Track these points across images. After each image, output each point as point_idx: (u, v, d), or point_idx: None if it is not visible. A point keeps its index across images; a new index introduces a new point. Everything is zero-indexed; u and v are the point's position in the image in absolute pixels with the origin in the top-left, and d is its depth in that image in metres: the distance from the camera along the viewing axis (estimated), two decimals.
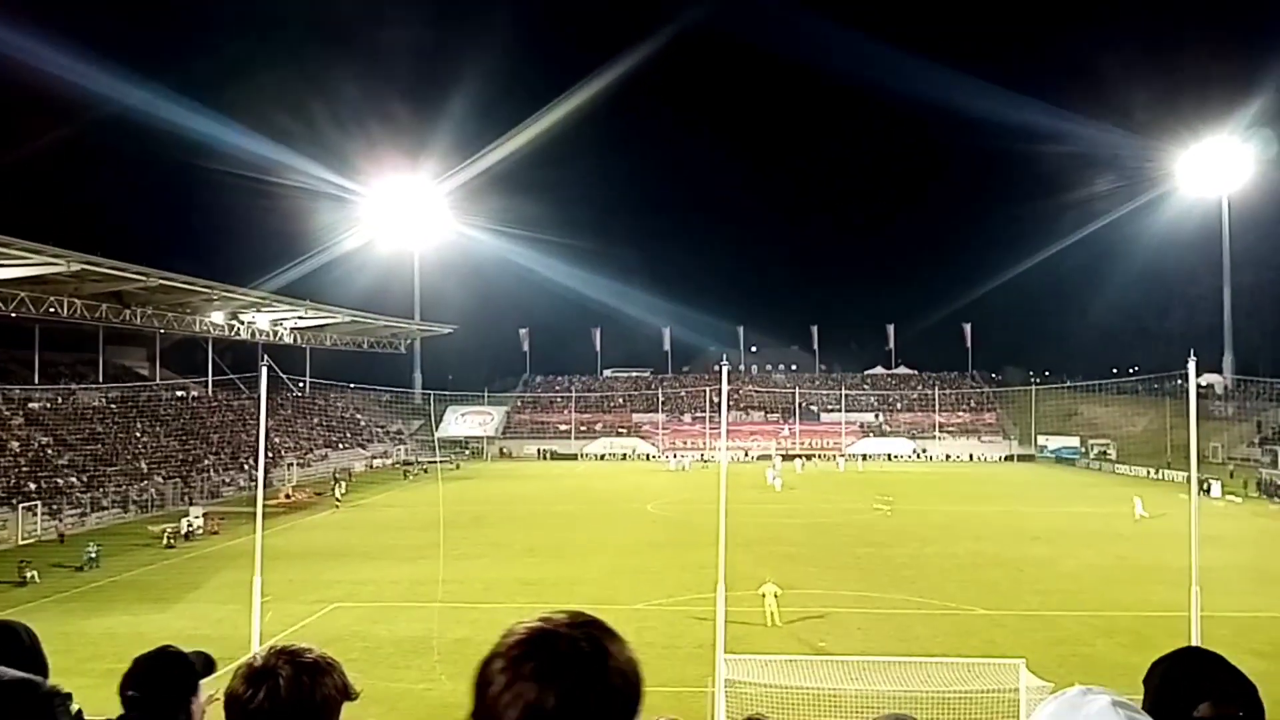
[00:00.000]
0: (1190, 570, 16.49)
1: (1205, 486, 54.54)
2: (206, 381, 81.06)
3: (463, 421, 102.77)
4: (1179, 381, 71.36)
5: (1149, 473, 73.16)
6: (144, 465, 59.85)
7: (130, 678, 2.74)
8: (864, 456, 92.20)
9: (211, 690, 2.82)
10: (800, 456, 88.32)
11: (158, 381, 76.71)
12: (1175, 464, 68.05)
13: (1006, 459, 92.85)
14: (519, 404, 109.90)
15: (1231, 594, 28.28)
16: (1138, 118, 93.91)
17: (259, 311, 76.42)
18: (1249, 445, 77.99)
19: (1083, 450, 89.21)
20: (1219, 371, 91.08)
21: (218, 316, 74.53)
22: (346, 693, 2.11)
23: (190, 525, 44.09)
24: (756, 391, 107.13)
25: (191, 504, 53.30)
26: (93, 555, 36.72)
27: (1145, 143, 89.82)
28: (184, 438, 66.99)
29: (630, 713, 1.43)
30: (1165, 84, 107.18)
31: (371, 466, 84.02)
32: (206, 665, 2.93)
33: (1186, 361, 20.13)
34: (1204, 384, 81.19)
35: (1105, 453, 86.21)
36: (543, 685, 1.36)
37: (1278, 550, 39.46)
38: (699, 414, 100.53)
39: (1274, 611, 27.70)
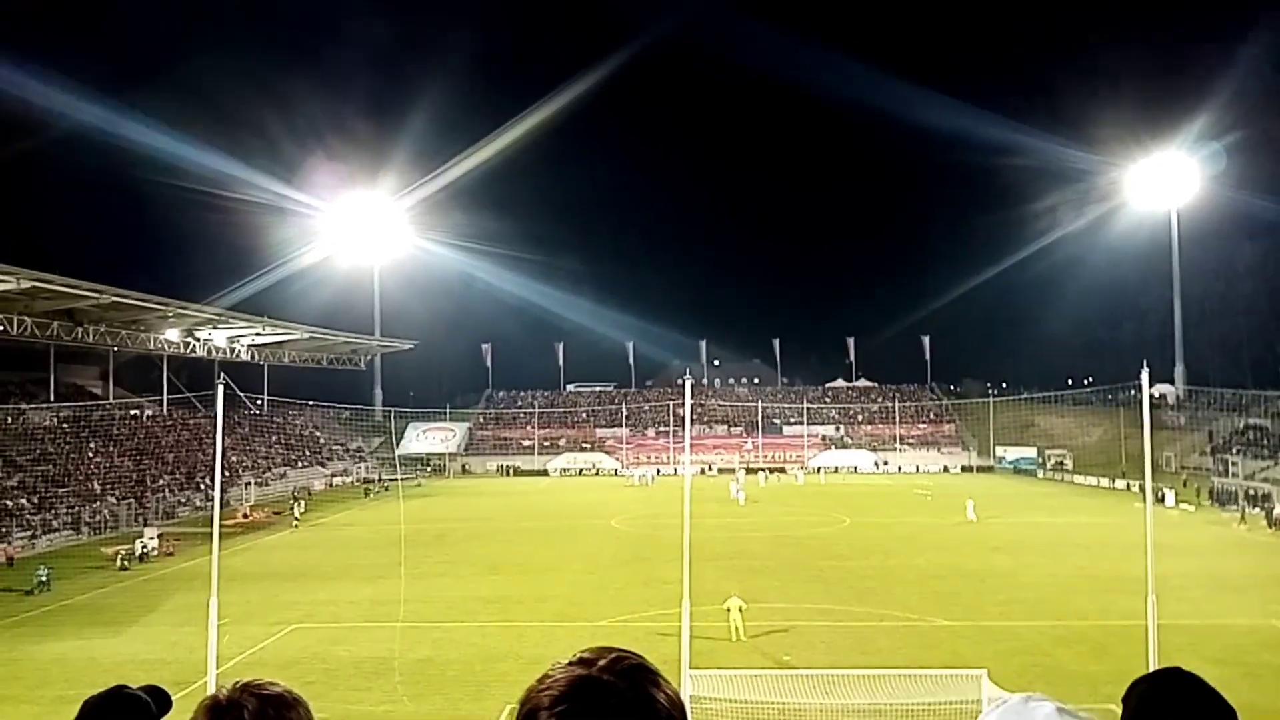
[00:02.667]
0: (1147, 579, 16.74)
1: (1159, 495, 55.52)
2: (161, 400, 79.61)
3: (424, 438, 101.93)
4: (1132, 392, 72.71)
5: (1100, 482, 74.38)
6: (97, 486, 58.58)
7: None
8: (819, 469, 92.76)
9: None
10: (763, 470, 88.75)
11: (111, 400, 75.19)
12: (1130, 473, 69.24)
13: (965, 469, 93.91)
14: (481, 420, 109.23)
15: (1187, 601, 28.82)
16: (1090, 133, 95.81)
17: (215, 328, 75.31)
18: (1200, 454, 79.61)
19: (1040, 461, 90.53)
20: (1171, 382, 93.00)
21: (172, 334, 73.31)
22: None
23: (145, 547, 43.19)
24: (719, 405, 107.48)
25: (146, 525, 52.15)
26: (43, 578, 35.78)
27: (1097, 158, 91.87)
28: (138, 457, 65.67)
29: None
30: (1116, 100, 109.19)
31: (331, 485, 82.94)
32: (161, 704, 2.82)
33: (1139, 372, 20.46)
34: (1156, 394, 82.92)
35: (1062, 463, 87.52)
36: None
37: (1230, 558, 40.23)
38: (662, 428, 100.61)
39: (1228, 619, 28.22)
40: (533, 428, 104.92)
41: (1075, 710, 1.69)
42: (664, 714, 1.37)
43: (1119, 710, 2.12)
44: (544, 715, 1.34)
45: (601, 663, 1.40)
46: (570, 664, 1.41)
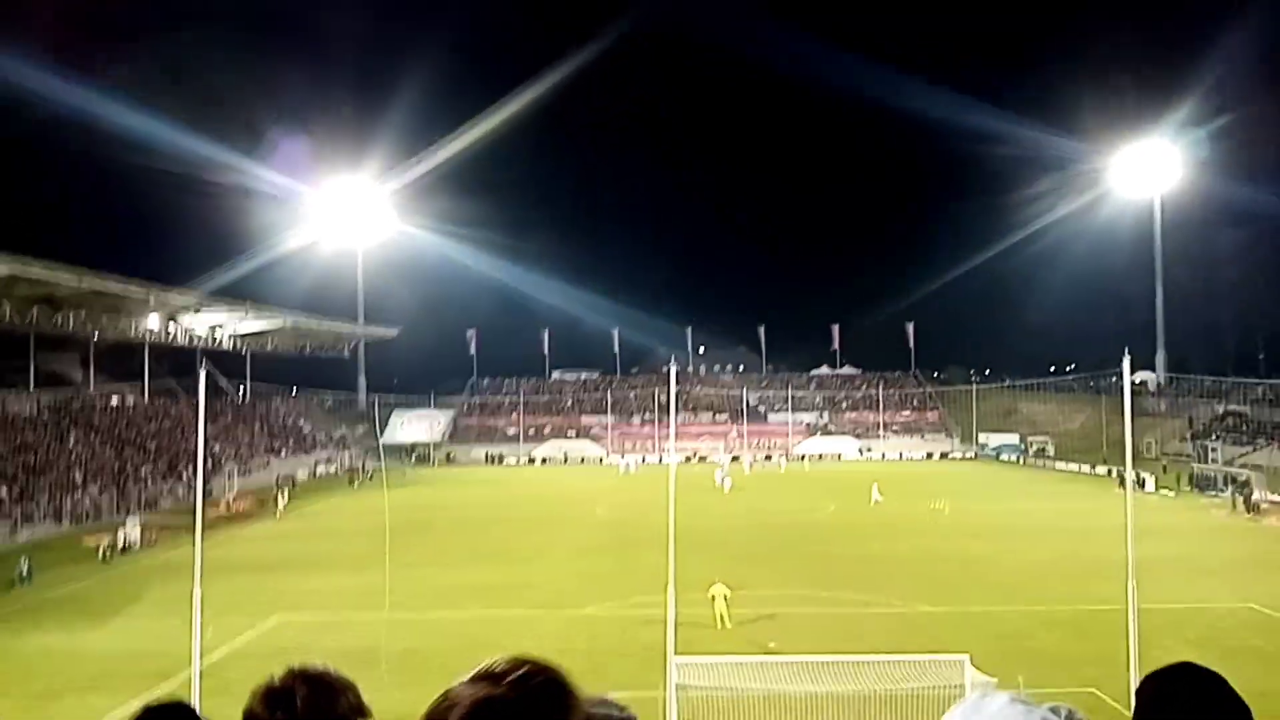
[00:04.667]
0: (1127, 564, 16.88)
1: (1140, 481, 56.03)
2: (143, 387, 79.04)
3: (409, 426, 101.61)
4: (1114, 379, 73.33)
5: (1082, 468, 74.95)
6: (78, 475, 58.14)
7: None
8: (803, 456, 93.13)
9: None
10: (750, 453, 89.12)
11: (92, 388, 74.64)
12: (1111, 460, 69.79)
13: (943, 456, 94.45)
14: (466, 407, 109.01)
15: (1167, 586, 29.08)
16: (1075, 121, 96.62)
17: (197, 314, 74.78)
18: (1181, 440, 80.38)
19: (1023, 447, 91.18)
20: (1152, 369, 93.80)
21: (154, 320, 72.75)
22: (361, 711, 2.07)
23: (127, 537, 42.92)
24: (705, 393, 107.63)
25: (128, 515, 51.80)
26: (24, 571, 35.50)
27: (1081, 145, 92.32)
28: (120, 446, 65.22)
29: None
30: (1101, 87, 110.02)
31: (315, 474, 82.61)
32: None
33: (1121, 359, 20.59)
34: (1138, 381, 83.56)
35: (1044, 449, 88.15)
36: None
37: (1209, 543, 40.68)
38: (648, 416, 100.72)
39: (1207, 602, 28.56)
40: (518, 415, 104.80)
41: (1028, 699, 1.70)
42: None
43: (1099, 693, 2.14)
44: None
45: (508, 680, 1.29)
46: (475, 679, 1.31)
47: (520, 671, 1.31)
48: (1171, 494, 57.97)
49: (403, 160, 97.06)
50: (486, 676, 1.31)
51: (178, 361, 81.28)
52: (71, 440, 63.08)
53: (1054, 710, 2.18)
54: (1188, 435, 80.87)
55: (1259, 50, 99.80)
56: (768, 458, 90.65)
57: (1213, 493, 57.30)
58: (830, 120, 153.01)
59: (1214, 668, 1.96)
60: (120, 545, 41.93)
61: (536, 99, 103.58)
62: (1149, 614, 20.47)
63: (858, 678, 17.11)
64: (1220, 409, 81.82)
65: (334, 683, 2.04)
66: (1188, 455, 74.48)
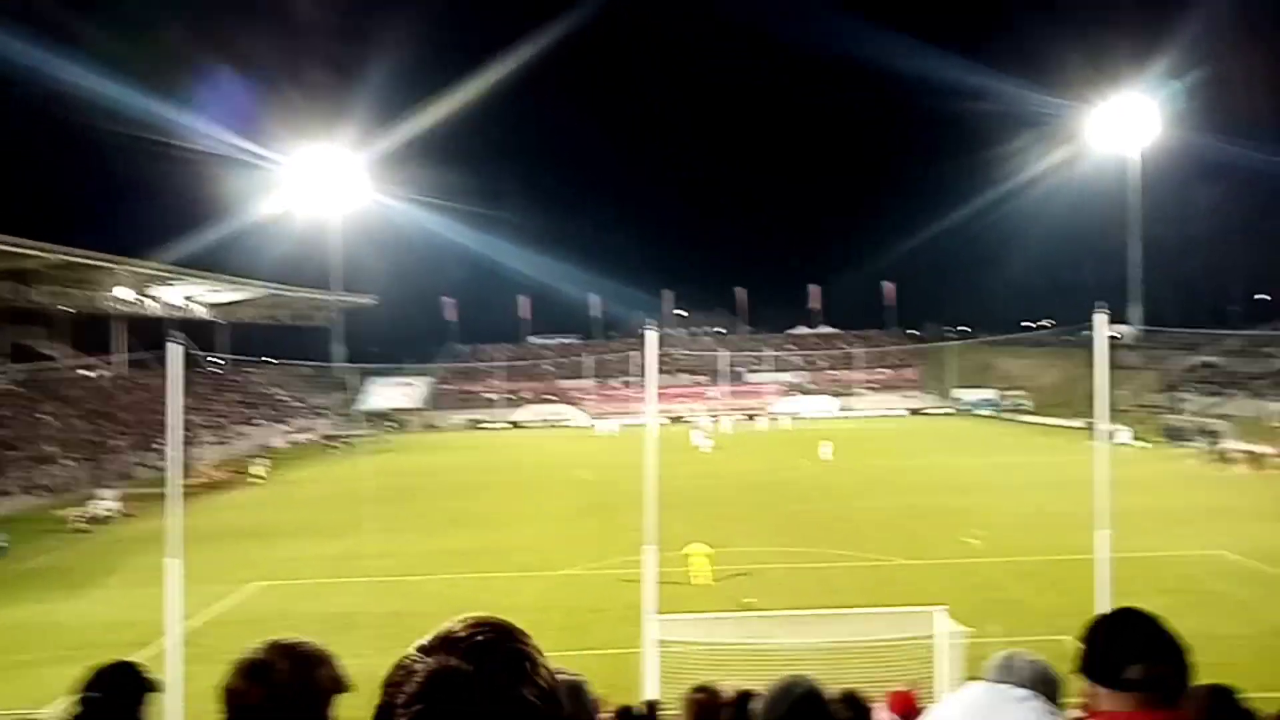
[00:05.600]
0: (1102, 514, 17.06)
1: (1113, 433, 56.67)
2: (116, 360, 78.19)
3: (387, 394, 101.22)
4: (1088, 333, 73.81)
5: (1056, 422, 75.70)
6: (52, 448, 57.62)
7: (92, 683, 3.03)
8: (780, 416, 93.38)
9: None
10: (730, 414, 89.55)
11: (64, 361, 73.78)
12: (1086, 413, 70.44)
13: (920, 412, 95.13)
14: (444, 374, 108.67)
15: (1140, 535, 29.50)
16: (1052, 76, 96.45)
17: (169, 285, 73.89)
18: (1155, 393, 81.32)
19: (999, 402, 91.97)
20: (1126, 323, 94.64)
21: (125, 292, 71.83)
22: (340, 684, 2.10)
23: (103, 509, 42.66)
24: (684, 354, 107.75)
25: (104, 487, 51.44)
26: (1, 543, 35.28)
27: (1059, 100, 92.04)
28: (94, 418, 64.64)
29: None
30: (1078, 41, 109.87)
31: (293, 442, 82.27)
32: (153, 686, 3.14)
33: (1095, 313, 20.64)
34: (1113, 335, 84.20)
35: (1020, 404, 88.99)
36: None
37: (1181, 493, 41.35)
38: (627, 378, 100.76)
39: (1177, 550, 29.06)
40: (497, 381, 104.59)
41: (1004, 681, 1.69)
42: (533, 710, 1.20)
43: (1070, 640, 2.16)
44: (400, 715, 1.18)
45: (465, 648, 1.22)
46: (432, 646, 1.24)
47: (478, 637, 1.24)
48: (1146, 445, 58.75)
49: (378, 128, 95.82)
50: (442, 644, 1.23)
51: (151, 333, 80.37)
52: (45, 413, 62.43)
53: (1019, 676, 2.21)
54: (1161, 387, 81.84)
55: (1236, 3, 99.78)
56: (749, 418, 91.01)
57: (1185, 443, 58.13)
58: (806, 78, 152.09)
59: (1185, 613, 2.00)
60: (96, 517, 41.66)
61: (512, 65, 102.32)
62: (1122, 563, 20.74)
63: (835, 630, 17.28)
64: (1193, 361, 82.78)
65: (313, 655, 2.07)
66: (1161, 407, 75.43)
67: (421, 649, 1.25)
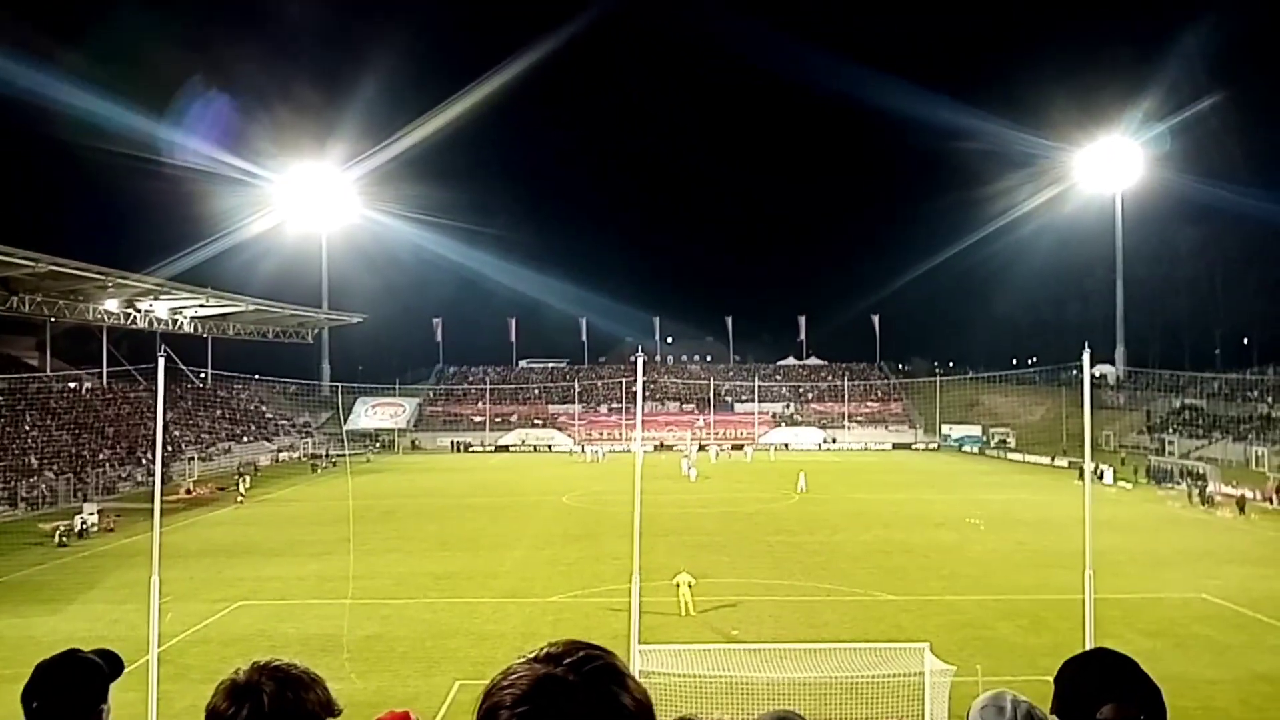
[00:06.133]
0: (1084, 555, 17.17)
1: (1098, 473, 56.96)
2: (101, 372, 77.72)
3: (373, 413, 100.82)
4: (1074, 372, 74.36)
5: (1041, 460, 76.01)
6: (34, 460, 57.13)
7: (33, 687, 2.59)
8: (771, 447, 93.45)
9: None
10: (717, 443, 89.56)
11: (48, 372, 73.28)
12: (1070, 451, 70.84)
13: (896, 446, 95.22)
14: (431, 395, 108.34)
15: (1122, 576, 29.66)
16: (1038, 117, 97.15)
17: (157, 299, 73.61)
18: (1139, 433, 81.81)
19: (984, 439, 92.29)
20: (1111, 363, 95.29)
21: (112, 304, 71.55)
22: (329, 708, 2.06)
23: (84, 523, 42.22)
24: (672, 382, 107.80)
25: (85, 500, 50.99)
26: None
27: (1045, 142, 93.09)
28: (77, 431, 64.15)
29: None
30: (1064, 84, 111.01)
31: (278, 460, 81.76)
32: (114, 666, 2.78)
33: (1081, 353, 20.88)
34: (1097, 375, 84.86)
35: (1005, 441, 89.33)
36: None
37: (1164, 534, 41.43)
38: (615, 405, 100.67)
39: (1159, 592, 29.12)
40: (484, 404, 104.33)
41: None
42: (628, 715, 1.32)
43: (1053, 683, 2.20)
44: (504, 714, 1.29)
45: (568, 661, 1.35)
46: (535, 660, 1.36)
47: (579, 653, 1.36)
48: (1129, 486, 58.96)
49: (368, 146, 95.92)
50: (546, 658, 1.35)
51: (137, 346, 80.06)
52: (27, 425, 61.95)
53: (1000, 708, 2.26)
54: (1145, 428, 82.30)
55: (1221, 47, 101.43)
56: (735, 447, 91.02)
57: (1169, 485, 58.37)
58: (799, 114, 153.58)
59: (1167, 656, 2.03)
60: (77, 531, 41.26)
61: (505, 86, 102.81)
62: (1105, 604, 20.84)
63: (818, 665, 17.27)
64: (1177, 403, 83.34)
65: (301, 678, 2.03)
66: (1145, 448, 75.83)
67: (526, 660, 1.36)
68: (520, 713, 1.28)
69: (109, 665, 2.75)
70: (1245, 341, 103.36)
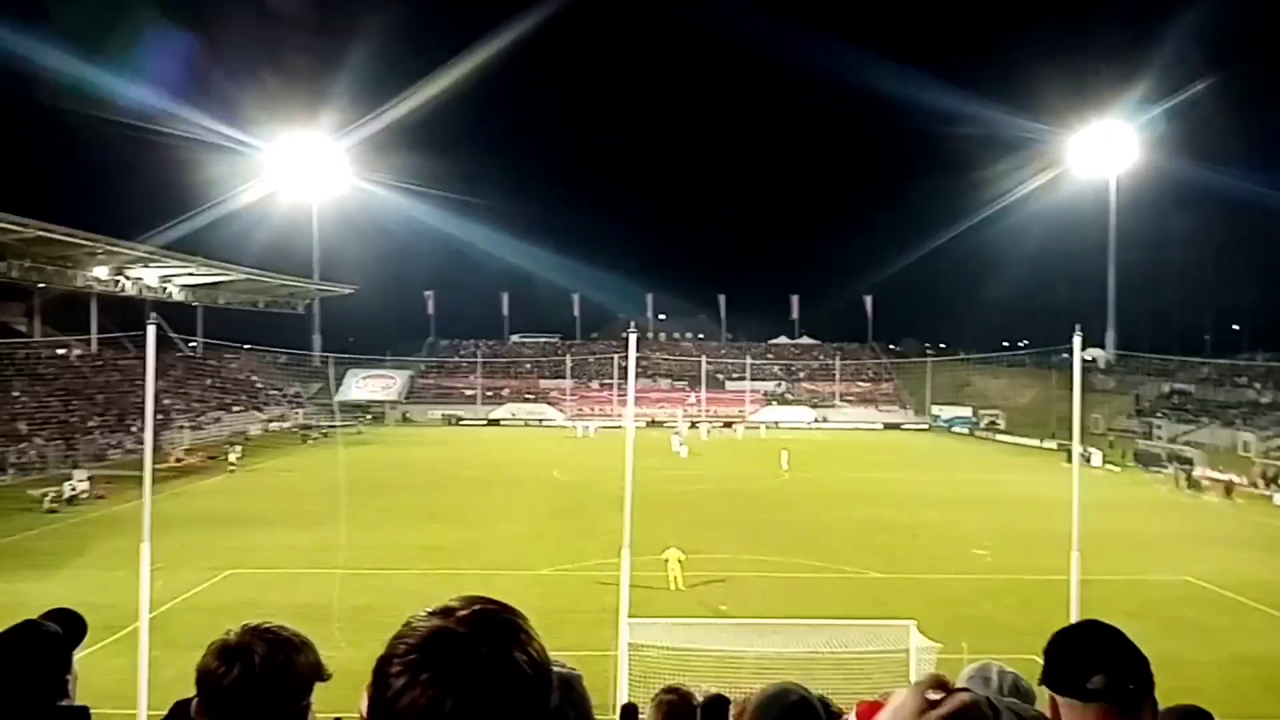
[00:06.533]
0: (1072, 536, 17.29)
1: (1086, 456, 57.27)
2: (90, 339, 77.41)
3: (364, 385, 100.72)
4: (1064, 356, 74.53)
5: (1030, 442, 76.42)
6: (23, 427, 57.00)
7: None
8: (752, 425, 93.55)
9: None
10: (708, 421, 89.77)
11: (37, 338, 72.95)
12: (1059, 434, 71.19)
13: (887, 426, 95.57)
14: (423, 368, 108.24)
15: (1109, 558, 29.86)
16: (1033, 101, 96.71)
17: (146, 267, 73.23)
18: (1128, 417, 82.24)
19: (974, 420, 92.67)
20: (1102, 347, 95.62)
21: (102, 271, 71.14)
22: (319, 672, 2.08)
23: (74, 489, 42.23)
24: (664, 359, 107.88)
25: (75, 467, 50.94)
26: None
27: (1041, 125, 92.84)
28: (67, 398, 63.98)
29: (535, 715, 1.32)
30: (1059, 68, 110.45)
31: (268, 430, 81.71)
32: (75, 630, 2.73)
33: (1072, 337, 20.90)
34: (1087, 358, 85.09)
35: (995, 423, 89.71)
36: (438, 691, 1.26)
37: (1151, 517, 41.78)
38: (607, 380, 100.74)
39: (1146, 575, 29.41)
40: (476, 377, 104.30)
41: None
42: (524, 676, 1.31)
43: (1040, 660, 2.22)
44: (395, 664, 1.29)
45: (462, 614, 1.34)
46: (432, 613, 1.35)
47: (475, 607, 1.36)
48: (1117, 469, 59.35)
49: (360, 115, 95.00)
50: (442, 611, 1.35)
51: (127, 314, 79.53)
52: (17, 391, 61.74)
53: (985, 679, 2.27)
54: (1134, 412, 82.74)
55: (1214, 30, 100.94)
56: (726, 425, 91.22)
57: (1156, 469, 58.78)
58: (792, 95, 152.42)
59: (1152, 638, 2.05)
60: (67, 497, 41.24)
61: (498, 56, 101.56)
62: (1090, 585, 20.99)
63: (807, 640, 17.41)
64: (1166, 388, 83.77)
65: (292, 641, 2.04)
66: (1133, 432, 76.25)
67: (426, 613, 1.36)
68: (409, 661, 1.28)
69: (70, 630, 2.68)
70: (1235, 328, 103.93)
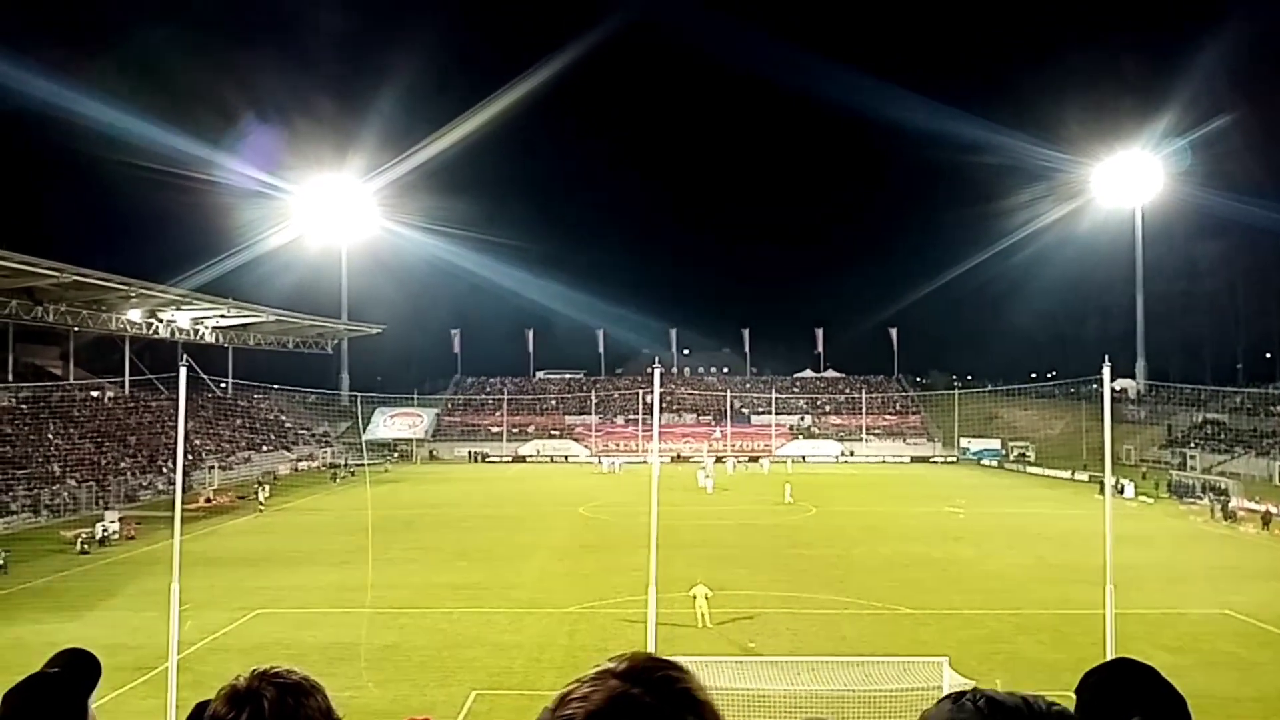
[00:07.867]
0: (1105, 569, 17.04)
1: (1119, 487, 56.42)
2: (123, 381, 78.47)
3: (391, 423, 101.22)
4: (1094, 386, 73.82)
5: (1061, 474, 75.43)
6: (56, 468, 57.70)
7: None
8: (783, 459, 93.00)
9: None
10: (734, 455, 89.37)
11: (71, 381, 74.03)
12: (1090, 466, 70.27)
13: (915, 459, 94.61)
14: (449, 406, 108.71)
15: (1144, 591, 29.35)
16: (1058, 131, 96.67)
17: (179, 310, 74.32)
18: (1160, 448, 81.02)
19: (1003, 452, 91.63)
20: (1132, 377, 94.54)
21: (135, 314, 72.24)
22: (329, 715, 2.05)
23: (105, 530, 42.59)
24: (689, 394, 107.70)
25: (107, 508, 51.42)
26: (1, 562, 35.23)
27: (1065, 155, 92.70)
28: (99, 439, 64.72)
29: None
30: (1084, 98, 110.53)
31: (297, 469, 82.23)
32: (89, 673, 2.68)
33: (1101, 367, 20.72)
34: (1118, 389, 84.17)
35: (1024, 454, 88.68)
36: None
37: (1186, 549, 41.01)
38: (632, 416, 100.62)
39: (1182, 608, 28.80)
40: (502, 414, 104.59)
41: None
42: None
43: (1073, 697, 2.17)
44: None
45: (647, 681, 1.27)
46: (612, 674, 1.28)
47: (658, 674, 1.29)
48: (1150, 500, 58.41)
49: (387, 158, 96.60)
50: (623, 674, 1.28)
51: (159, 356, 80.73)
52: (50, 433, 62.58)
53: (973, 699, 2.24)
54: (1166, 442, 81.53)
55: (1241, 62, 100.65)
56: (752, 459, 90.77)
57: (1191, 500, 57.78)
58: (816, 127, 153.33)
59: (1191, 673, 2.00)
60: (98, 538, 41.61)
61: (522, 97, 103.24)
62: (1126, 619, 20.64)
63: (836, 678, 17.18)
64: (1199, 417, 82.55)
65: (301, 684, 2.02)
66: (1166, 462, 75.09)
67: (601, 672, 1.30)
68: None
69: (81, 674, 2.63)
70: (1268, 356, 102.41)
